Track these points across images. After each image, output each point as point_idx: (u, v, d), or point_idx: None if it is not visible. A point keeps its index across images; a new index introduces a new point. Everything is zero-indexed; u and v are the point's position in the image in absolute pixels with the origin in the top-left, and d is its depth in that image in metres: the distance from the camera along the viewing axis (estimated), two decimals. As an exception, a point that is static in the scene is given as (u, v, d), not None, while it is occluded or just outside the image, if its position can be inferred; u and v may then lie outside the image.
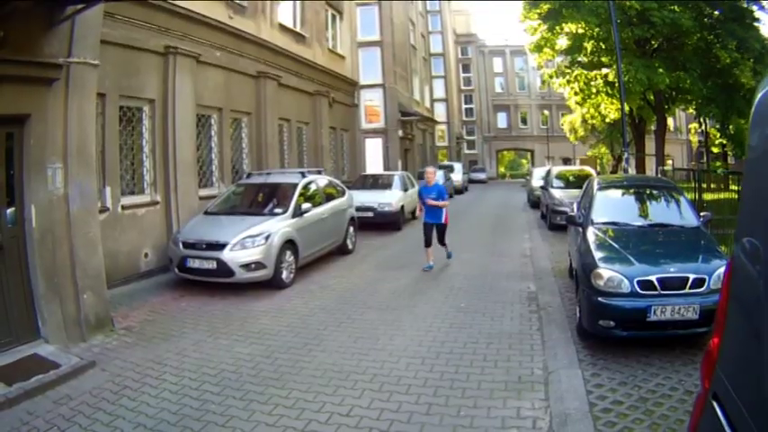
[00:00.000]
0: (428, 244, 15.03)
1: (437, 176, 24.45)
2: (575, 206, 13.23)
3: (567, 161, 67.76)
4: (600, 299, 8.06)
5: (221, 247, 11.95)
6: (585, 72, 28.54)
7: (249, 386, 7.40)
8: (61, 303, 9.18)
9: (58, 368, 8.10)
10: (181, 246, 12.49)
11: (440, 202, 14.90)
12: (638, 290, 7.95)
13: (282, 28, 22.25)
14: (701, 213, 10.50)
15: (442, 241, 15.39)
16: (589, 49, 28.28)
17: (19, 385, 7.50)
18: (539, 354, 8.32)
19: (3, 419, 6.83)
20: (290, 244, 12.96)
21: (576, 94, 30.01)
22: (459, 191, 45.27)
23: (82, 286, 9.48)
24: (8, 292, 8.59)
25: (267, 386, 7.28)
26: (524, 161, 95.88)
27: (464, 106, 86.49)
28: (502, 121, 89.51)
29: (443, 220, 15.14)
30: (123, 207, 13.51)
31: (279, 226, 12.82)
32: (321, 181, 16.03)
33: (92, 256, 9.77)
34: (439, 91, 67.32)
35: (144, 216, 14.30)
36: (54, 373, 7.94)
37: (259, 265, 12.03)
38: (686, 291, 7.93)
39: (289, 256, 12.93)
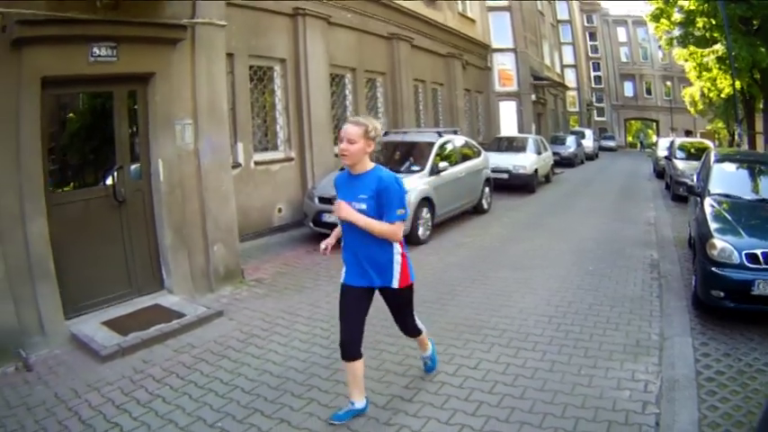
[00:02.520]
0: (346, 352, 5.28)
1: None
2: (695, 177, 12.58)
3: (688, 133, 64.23)
4: (713, 269, 7.72)
5: None
6: (699, 49, 26.75)
7: (381, 336, 7.15)
8: (189, 255, 8.98)
9: (182, 317, 7.83)
10: (317, 201, 12.33)
11: (379, 225, 5.01)
12: (746, 262, 7.55)
13: (412, -9, 21.35)
14: None
15: (406, 327, 5.84)
16: (700, 25, 26.65)
17: (135, 334, 7.30)
18: (656, 320, 7.98)
19: (113, 368, 6.69)
20: (426, 201, 12.53)
21: (693, 69, 28.43)
22: (590, 157, 43.64)
23: (212, 239, 9.27)
24: (130, 244, 8.47)
25: (399, 337, 6.64)
26: (651, 131, 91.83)
27: (593, 74, 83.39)
28: (629, 89, 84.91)
29: (397, 279, 5.28)
30: (256, 163, 13.27)
31: (416, 183, 12.34)
32: (457, 141, 15.26)
33: (224, 209, 9.51)
34: (568, 57, 65.26)
35: (278, 172, 14.04)
36: (177, 323, 7.68)
37: None
38: None
39: (425, 213, 12.53)
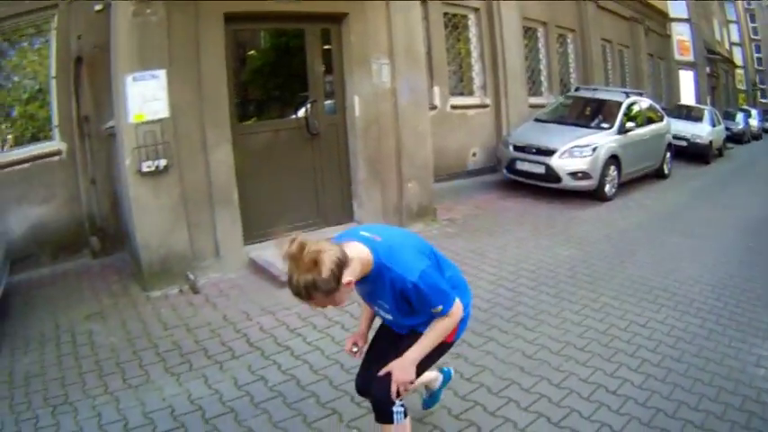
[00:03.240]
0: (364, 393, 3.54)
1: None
2: None
3: None
4: None
5: (550, 153, 11.30)
6: None
7: (563, 286, 6.99)
8: (382, 190, 8.71)
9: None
10: (511, 148, 11.94)
11: (434, 337, 3.13)
12: None
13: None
14: None
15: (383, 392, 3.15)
16: None
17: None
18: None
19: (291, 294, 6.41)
20: (613, 159, 11.84)
21: None
22: (756, 137, 40.49)
23: (407, 175, 8.86)
24: (321, 176, 8.31)
25: (579, 288, 6.91)
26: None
27: (754, 55, 77.84)
28: (788, 72, 78.99)
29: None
30: (452, 107, 12.85)
31: (605, 140, 11.72)
32: (643, 103, 14.33)
33: (420, 147, 9.06)
34: (734, 36, 61.05)
35: (473, 117, 13.53)
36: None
37: (585, 174, 11.18)
38: None
39: (612, 171, 11.87)
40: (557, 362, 5.10)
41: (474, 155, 13.45)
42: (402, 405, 3.21)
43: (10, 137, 7.98)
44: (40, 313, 6.35)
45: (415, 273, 2.91)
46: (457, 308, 3.12)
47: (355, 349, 3.42)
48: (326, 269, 2.66)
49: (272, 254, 7.16)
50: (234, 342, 5.52)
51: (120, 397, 4.66)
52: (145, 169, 6.40)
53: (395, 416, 3.19)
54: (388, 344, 3.44)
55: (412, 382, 3.13)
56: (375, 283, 3.02)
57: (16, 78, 8.04)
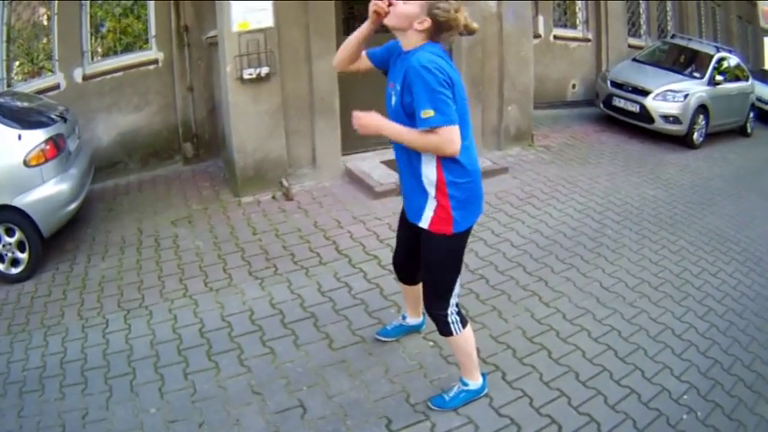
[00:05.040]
0: (401, 276, 3.85)
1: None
2: None
3: None
4: None
5: (646, 93, 11.16)
6: None
7: (646, 224, 6.93)
8: (483, 111, 8.56)
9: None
10: (609, 84, 11.71)
11: (408, 135, 2.94)
12: None
13: None
14: None
15: (427, 302, 3.39)
16: None
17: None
18: None
19: (385, 205, 6.62)
20: (702, 108, 11.56)
21: None
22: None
23: (508, 98, 8.78)
24: None
25: (661, 228, 6.83)
26: None
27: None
28: None
29: (428, 218, 3.14)
30: (555, 37, 12.65)
31: (696, 89, 11.45)
32: (732, 60, 13.73)
33: (522, 73, 8.93)
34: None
35: (575, 50, 13.23)
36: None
37: (676, 119, 11.02)
38: None
39: (701, 120, 11.56)
40: (631, 297, 5.11)
41: (574, 86, 13.25)
42: (457, 314, 3.34)
43: (100, 49, 8.16)
44: (123, 219, 6.57)
45: (431, 60, 2.82)
46: (451, 133, 2.80)
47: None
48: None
49: (369, 165, 7.36)
50: (322, 249, 5.62)
51: (200, 300, 4.82)
52: (246, 76, 6.57)
53: (452, 327, 3.31)
54: (403, 225, 3.56)
55: (361, 127, 3.06)
56: (405, 60, 2.97)
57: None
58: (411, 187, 3.17)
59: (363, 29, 3.19)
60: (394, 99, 3.06)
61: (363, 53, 3.37)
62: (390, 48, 3.25)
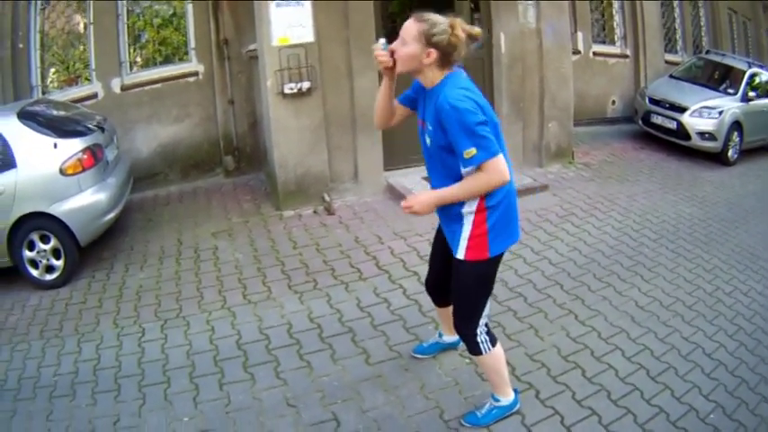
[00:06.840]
0: (434, 298, 3.82)
1: None
2: None
3: None
4: None
5: (683, 110, 11.08)
6: None
7: (681, 242, 6.81)
8: (524, 128, 8.56)
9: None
10: (647, 101, 11.62)
11: (458, 189, 2.98)
12: None
13: None
14: None
15: (458, 324, 3.33)
16: None
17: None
18: None
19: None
20: (737, 125, 11.43)
21: None
22: None
23: (548, 115, 8.70)
24: None
25: (696, 246, 6.70)
26: None
27: None
28: None
29: (463, 249, 3.11)
30: (594, 53, 12.61)
31: (730, 105, 11.33)
32: (763, 76, 13.31)
33: (562, 89, 8.83)
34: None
35: (613, 66, 13.18)
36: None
37: (711, 136, 10.89)
38: None
39: (735, 137, 11.40)
40: (665, 316, 5.04)
41: (613, 103, 13.16)
42: (487, 333, 3.29)
43: (139, 59, 8.28)
44: (163, 230, 6.60)
45: (453, 100, 2.78)
46: (497, 164, 2.80)
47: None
48: (438, 28, 2.87)
49: (411, 181, 7.32)
50: (363, 264, 5.62)
51: (238, 312, 4.83)
52: (287, 91, 6.61)
53: (481, 346, 3.28)
54: (439, 244, 3.51)
55: (416, 213, 3.06)
56: (433, 96, 2.93)
57: (146, 4, 8.29)
58: (446, 212, 3.18)
59: (384, 87, 3.18)
60: (429, 140, 3.05)
61: (396, 103, 3.32)
62: (416, 87, 3.21)
